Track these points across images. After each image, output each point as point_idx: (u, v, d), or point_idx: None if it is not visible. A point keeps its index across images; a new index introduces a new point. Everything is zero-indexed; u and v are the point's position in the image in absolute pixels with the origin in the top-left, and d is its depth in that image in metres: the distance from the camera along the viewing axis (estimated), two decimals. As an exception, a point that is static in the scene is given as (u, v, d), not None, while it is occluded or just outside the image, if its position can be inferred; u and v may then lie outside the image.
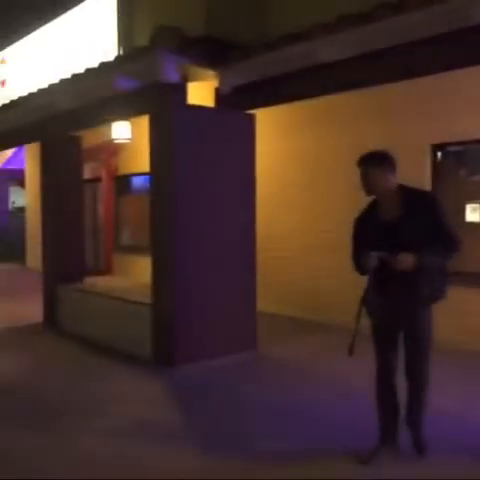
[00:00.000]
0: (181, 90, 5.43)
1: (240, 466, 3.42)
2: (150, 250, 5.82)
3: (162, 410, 4.41)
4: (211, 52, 5.30)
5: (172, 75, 5.19)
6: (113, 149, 10.87)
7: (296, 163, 7.96)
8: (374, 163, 3.34)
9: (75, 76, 6.15)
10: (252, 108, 5.91)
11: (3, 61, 14.15)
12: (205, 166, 5.61)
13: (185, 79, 5.44)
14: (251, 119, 5.95)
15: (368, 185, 3.35)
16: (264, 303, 7.63)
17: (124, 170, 11.17)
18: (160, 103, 5.46)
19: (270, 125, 7.89)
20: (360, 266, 3.33)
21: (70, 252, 7.58)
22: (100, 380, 5.18)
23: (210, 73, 5.50)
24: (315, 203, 7.60)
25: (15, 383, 5.15)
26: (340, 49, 4.60)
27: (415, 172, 6.26)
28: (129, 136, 9.50)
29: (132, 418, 4.24)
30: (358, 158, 3.40)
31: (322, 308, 7.44)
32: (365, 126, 6.83)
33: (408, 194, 3.36)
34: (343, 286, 7.24)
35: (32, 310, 8.07)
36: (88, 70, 5.91)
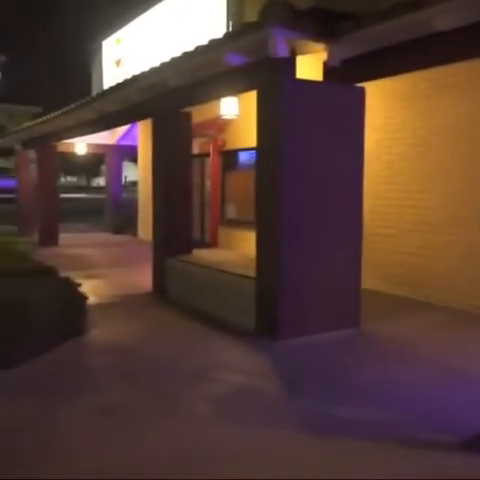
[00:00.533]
0: (290, 64, 5.40)
1: (336, 448, 3.43)
2: (255, 224, 5.91)
3: (263, 382, 4.51)
4: (321, 24, 5.20)
5: (281, 50, 5.17)
6: (221, 125, 11.05)
7: (405, 137, 7.68)
8: None
9: (186, 54, 6.29)
10: (361, 81, 5.76)
11: (119, 40, 14.77)
12: (313, 141, 5.57)
13: (294, 53, 5.40)
14: (361, 92, 5.82)
15: None
16: (370, 281, 7.54)
17: (231, 145, 11.34)
18: (269, 78, 5.48)
19: (378, 96, 7.67)
20: None
21: (179, 225, 7.86)
22: (204, 348, 5.38)
23: (319, 46, 5.41)
24: (425, 178, 7.32)
25: (125, 346, 5.48)
26: (458, 17, 4.35)
27: None
28: (236, 112, 9.60)
29: (233, 387, 4.39)
30: None
31: (429, 287, 7.22)
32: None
33: None
34: (453, 266, 6.97)
35: (143, 279, 8.51)
36: (198, 47, 6.03)
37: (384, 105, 7.85)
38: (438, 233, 7.10)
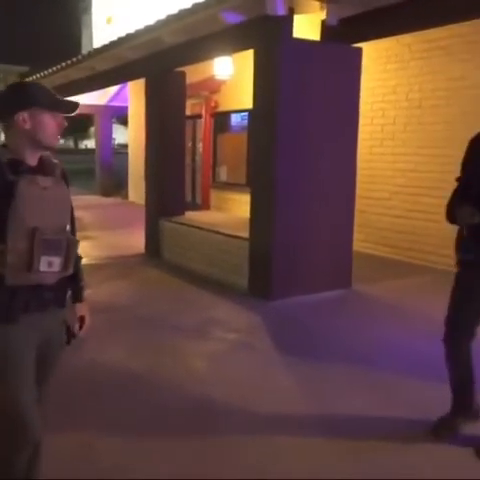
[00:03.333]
0: (287, 23, 5.35)
1: (315, 387, 3.57)
2: (249, 186, 5.94)
3: (254, 339, 4.62)
4: (319, -18, 5.15)
5: (280, 7, 5.12)
6: (214, 85, 10.92)
7: (399, 99, 7.68)
8: None
9: (181, 11, 6.20)
10: (358, 41, 5.74)
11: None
12: (309, 101, 5.56)
13: (292, 12, 5.35)
14: (358, 53, 5.79)
15: None
16: (360, 243, 7.63)
17: (223, 107, 11.24)
18: (266, 37, 5.43)
19: (373, 58, 7.63)
20: (453, 216, 2.84)
21: (171, 186, 7.85)
22: (198, 308, 5.47)
23: (317, 4, 5.36)
24: (417, 141, 7.34)
25: (119, 306, 5.55)
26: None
27: None
28: (231, 72, 9.50)
29: (226, 343, 4.51)
30: None
31: (418, 250, 7.32)
32: (477, 60, 6.44)
33: None
34: (441, 228, 7.06)
35: (135, 241, 8.54)
36: (194, 5, 5.93)
37: (379, 67, 7.81)
38: (428, 196, 7.16)
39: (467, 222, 2.75)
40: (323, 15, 5.53)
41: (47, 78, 11.35)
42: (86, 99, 14.61)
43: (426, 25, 5.35)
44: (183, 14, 6.15)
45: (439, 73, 7.06)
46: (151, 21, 6.90)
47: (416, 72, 7.39)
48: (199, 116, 11.75)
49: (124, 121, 16.26)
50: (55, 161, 2.15)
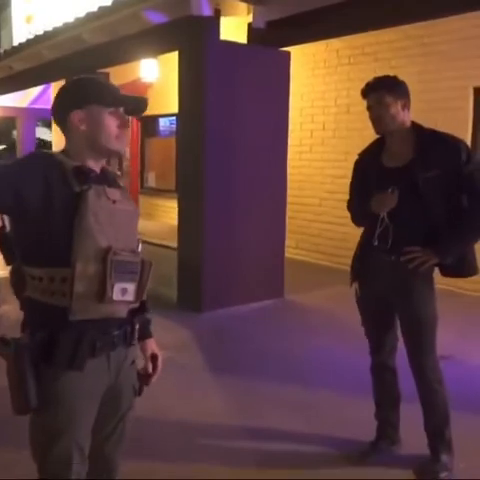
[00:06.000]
0: (214, 25, 5.14)
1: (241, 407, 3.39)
2: (177, 193, 5.70)
3: (184, 357, 4.38)
4: (245, -17, 4.99)
5: (205, 8, 4.91)
6: (140, 89, 10.59)
7: (328, 105, 7.65)
8: (390, 89, 2.56)
9: (102, 9, 5.89)
10: (286, 45, 5.63)
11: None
12: (238, 106, 5.38)
13: (218, 13, 5.16)
14: (286, 57, 5.67)
15: (383, 119, 2.56)
16: (290, 250, 7.53)
17: (151, 111, 10.91)
18: (191, 38, 5.21)
19: (302, 63, 7.57)
20: (363, 213, 2.71)
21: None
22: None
23: (243, 6, 5.20)
24: (345, 147, 7.33)
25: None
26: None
27: (455, 116, 5.97)
28: (157, 75, 9.23)
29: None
30: (366, 84, 2.66)
31: (348, 256, 7.26)
32: (404, 66, 6.48)
33: (426, 135, 2.57)
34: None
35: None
36: (116, 2, 5.65)
37: (307, 72, 7.76)
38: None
39: (390, 204, 2.52)
40: (249, 19, 5.37)
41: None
42: (5, 101, 13.94)
43: (353, 30, 5.29)
44: (103, 12, 5.84)
45: (367, 79, 7.05)
46: (71, 19, 6.54)
47: (344, 77, 7.38)
48: (126, 120, 11.40)
49: (50, 124, 15.62)
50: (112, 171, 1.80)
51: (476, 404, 3.43)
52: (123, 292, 1.61)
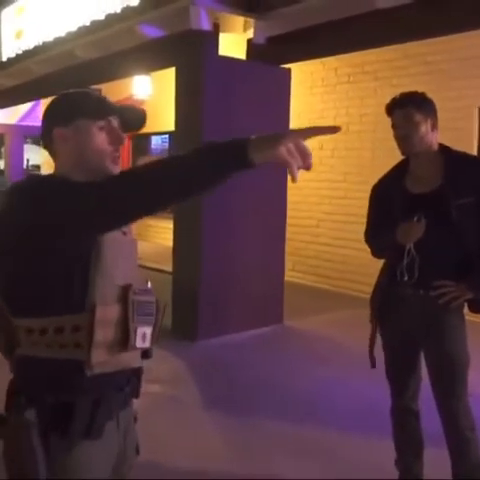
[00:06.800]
0: (212, 40, 4.94)
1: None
2: (173, 213, 5.45)
3: (179, 391, 4.10)
4: (246, -2, 4.81)
5: (204, 22, 4.71)
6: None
7: (326, 124, 7.47)
8: (419, 106, 2.32)
9: (95, 23, 5.67)
10: (286, 61, 5.46)
11: (21, 9, 13.51)
12: (235, 124, 5.14)
13: (217, 29, 4.96)
14: (287, 74, 5.48)
15: (411, 138, 2.31)
16: (287, 272, 7.28)
17: (143, 129, 10.73)
18: (189, 54, 5.00)
19: (299, 81, 7.40)
20: (387, 244, 2.45)
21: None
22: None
23: (242, 20, 5.02)
24: (344, 168, 7.14)
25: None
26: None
27: (460, 137, 5.81)
28: (150, 92, 9.03)
29: (147, 398, 3.93)
30: (392, 100, 2.41)
31: (347, 279, 7.06)
32: (406, 85, 6.32)
33: (455, 158, 2.36)
34: (369, 258, 6.85)
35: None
36: (109, 16, 5.44)
37: (305, 91, 7.59)
38: (356, 223, 6.91)
39: (417, 234, 2.27)
40: (250, 34, 5.18)
41: None
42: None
43: (355, 47, 5.12)
44: (96, 26, 5.62)
45: (367, 98, 6.91)
46: (62, 33, 6.33)
47: (343, 96, 7.22)
48: (117, 138, 11.20)
49: (38, 141, 15.33)
50: None
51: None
52: (143, 337, 1.39)
